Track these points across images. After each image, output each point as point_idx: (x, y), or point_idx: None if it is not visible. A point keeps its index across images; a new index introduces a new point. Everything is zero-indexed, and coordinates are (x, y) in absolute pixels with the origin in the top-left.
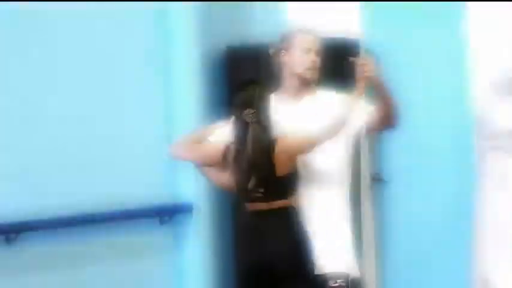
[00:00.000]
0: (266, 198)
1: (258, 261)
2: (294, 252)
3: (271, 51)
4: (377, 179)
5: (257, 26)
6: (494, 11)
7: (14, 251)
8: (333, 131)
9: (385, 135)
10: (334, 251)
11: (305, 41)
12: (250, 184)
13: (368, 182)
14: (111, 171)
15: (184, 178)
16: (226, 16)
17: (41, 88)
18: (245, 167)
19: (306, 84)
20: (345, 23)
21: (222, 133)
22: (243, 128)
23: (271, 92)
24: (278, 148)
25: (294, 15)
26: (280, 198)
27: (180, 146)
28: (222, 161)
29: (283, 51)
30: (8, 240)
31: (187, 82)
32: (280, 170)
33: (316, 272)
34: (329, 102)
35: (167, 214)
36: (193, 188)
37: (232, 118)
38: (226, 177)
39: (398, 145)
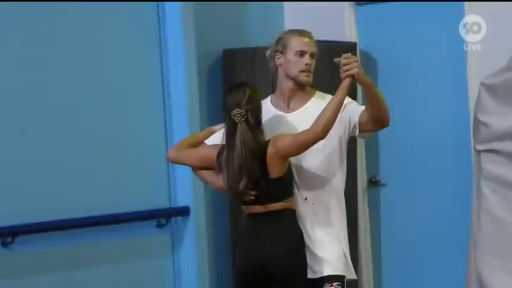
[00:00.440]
0: (261, 201)
1: (253, 263)
2: (289, 255)
3: (266, 53)
4: (373, 182)
5: (254, 29)
6: (492, 13)
7: (10, 254)
8: (323, 130)
9: (381, 138)
10: (330, 254)
11: (300, 44)
12: (241, 185)
13: (364, 185)
14: (107, 174)
15: (181, 182)
16: (223, 19)
17: (38, 93)
18: (236, 167)
19: (300, 87)
20: (341, 26)
21: (218, 137)
22: (232, 129)
23: (269, 94)
24: (270, 150)
25: (290, 19)
26: (275, 201)
27: (177, 151)
28: (216, 163)
29: (278, 53)
30: (5, 244)
31: (184, 85)
32: (274, 172)
33: (312, 275)
34: (322, 108)
35: (164, 217)
36: (190, 192)
37: (223, 119)
38: (219, 179)
39: (394, 148)
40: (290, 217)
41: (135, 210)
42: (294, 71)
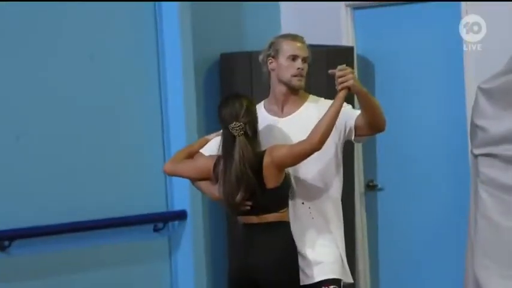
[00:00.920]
0: (256, 211)
1: (245, 273)
2: (281, 265)
3: (259, 58)
4: (371, 187)
5: (251, 33)
6: (492, 13)
7: (7, 258)
8: (319, 141)
9: (379, 142)
10: (327, 257)
11: (292, 48)
12: (238, 197)
13: (362, 189)
14: (105, 179)
15: (178, 186)
16: (220, 23)
17: (35, 98)
18: (233, 180)
19: (293, 91)
20: (338, 31)
21: (214, 147)
22: (230, 141)
23: (262, 99)
24: (266, 160)
25: (287, 23)
26: (270, 212)
27: (173, 164)
28: (212, 175)
29: (270, 58)
30: (2, 248)
31: (182, 89)
32: (270, 182)
33: (309, 280)
34: (316, 112)
35: (161, 221)
36: (187, 196)
37: (221, 131)
38: (216, 190)
39: (392, 153)
40: (284, 228)
41: (132, 214)
42: (286, 75)
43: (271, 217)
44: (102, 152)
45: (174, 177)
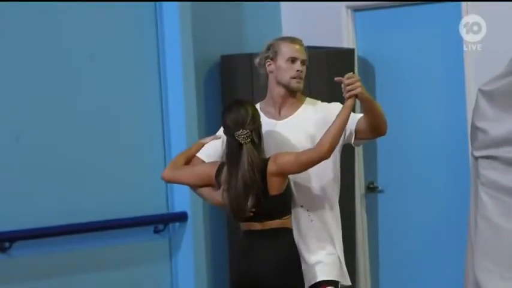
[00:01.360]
0: (259, 218)
1: (248, 280)
2: (283, 272)
3: (256, 61)
4: (371, 188)
5: (251, 35)
6: (492, 13)
7: (8, 260)
8: (328, 150)
9: (379, 144)
10: (324, 259)
11: (291, 50)
12: (249, 204)
13: (362, 191)
14: (105, 180)
15: (178, 187)
16: (221, 25)
17: (34, 100)
18: (240, 187)
19: (291, 94)
20: (338, 32)
21: (211, 150)
22: (236, 149)
23: (259, 101)
24: (270, 168)
25: (288, 25)
26: (273, 218)
27: (172, 170)
28: (214, 182)
29: (268, 60)
30: (2, 249)
31: (182, 91)
32: (273, 189)
33: (307, 282)
34: (313, 115)
35: (161, 223)
36: (187, 197)
37: (225, 138)
38: (219, 196)
39: (392, 154)
40: (287, 235)
41: (132, 216)
42: (286, 77)
43: (275, 223)
44: (103, 153)
45: None
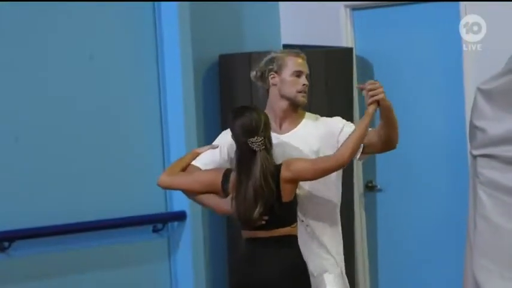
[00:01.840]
0: (268, 226)
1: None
2: (294, 279)
3: (252, 74)
4: (370, 187)
5: (249, 34)
6: (492, 13)
7: (7, 260)
8: (348, 158)
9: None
10: (328, 268)
11: (296, 64)
12: (256, 213)
13: (361, 191)
14: (104, 180)
15: None
16: (219, 25)
17: (34, 98)
18: (251, 195)
19: (294, 108)
20: (337, 32)
21: (208, 159)
22: (248, 156)
23: (265, 99)
24: (284, 174)
25: (286, 24)
26: (282, 226)
27: (171, 176)
28: (220, 189)
29: (272, 73)
30: (1, 249)
31: (180, 90)
32: (285, 196)
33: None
34: (314, 130)
35: (160, 222)
36: (186, 197)
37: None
38: (224, 203)
39: (391, 153)
40: (295, 242)
41: (131, 215)
42: (291, 91)
43: (284, 231)
44: (101, 152)
45: None
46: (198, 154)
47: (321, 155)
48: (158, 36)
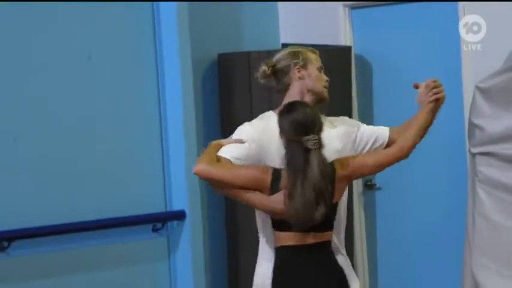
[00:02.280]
0: (318, 228)
1: None
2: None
3: (277, 66)
4: (369, 186)
5: (248, 33)
6: (491, 13)
7: (6, 259)
8: (410, 151)
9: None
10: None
11: (317, 59)
12: (318, 214)
13: (360, 189)
14: (103, 179)
15: (176, 186)
16: (218, 24)
17: (33, 99)
18: (311, 196)
19: (318, 104)
20: (336, 30)
21: (240, 154)
22: (302, 155)
23: (264, 98)
24: (340, 173)
25: (285, 23)
26: (329, 229)
27: (210, 166)
28: (268, 188)
29: (298, 67)
30: (1, 249)
31: (180, 89)
32: (338, 196)
33: None
34: (333, 129)
35: (160, 221)
36: (186, 196)
37: (285, 144)
38: (273, 202)
39: None
40: (331, 249)
41: (131, 214)
42: (319, 85)
43: (327, 235)
44: (100, 152)
45: (172, 178)
46: (221, 146)
47: (344, 154)
48: (157, 35)
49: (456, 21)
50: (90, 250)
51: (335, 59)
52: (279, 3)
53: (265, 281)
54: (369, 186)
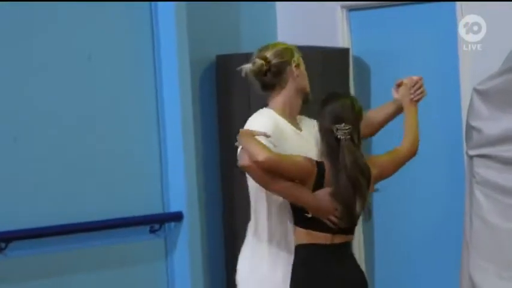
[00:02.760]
0: (348, 229)
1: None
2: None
3: (272, 63)
4: None
5: (247, 34)
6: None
7: (3, 260)
8: (418, 140)
9: (374, 143)
10: None
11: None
12: (358, 206)
13: None
14: (101, 180)
15: (174, 187)
16: (216, 25)
17: (31, 99)
18: (349, 188)
19: (304, 104)
20: (334, 32)
21: (268, 145)
22: (334, 146)
23: (259, 101)
24: (374, 172)
25: (283, 24)
26: (353, 231)
27: (275, 155)
28: (313, 181)
29: (295, 65)
30: None
31: (178, 90)
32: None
33: None
34: (312, 130)
35: (157, 223)
36: (183, 197)
37: (320, 135)
38: (323, 200)
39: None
40: (352, 249)
41: (128, 215)
42: (307, 86)
43: (351, 235)
44: (98, 153)
45: (170, 179)
46: (253, 135)
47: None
48: (155, 36)
49: (454, 23)
50: (87, 251)
51: (333, 60)
52: (277, 4)
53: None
54: None
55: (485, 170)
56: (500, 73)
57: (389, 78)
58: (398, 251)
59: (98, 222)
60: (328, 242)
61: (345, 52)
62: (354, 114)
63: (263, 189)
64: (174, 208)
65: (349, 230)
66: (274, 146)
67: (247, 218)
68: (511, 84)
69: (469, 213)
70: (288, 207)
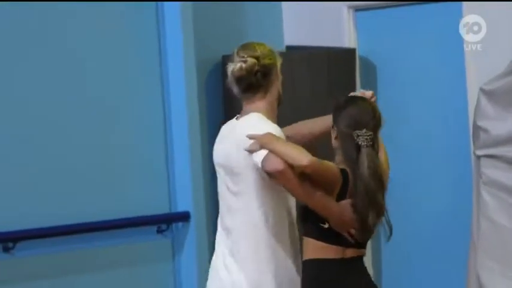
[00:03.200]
0: (361, 244)
1: None
2: None
3: (259, 64)
4: None
5: (252, 35)
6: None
7: (11, 260)
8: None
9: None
10: None
11: None
12: (371, 220)
13: None
14: (108, 180)
15: (180, 187)
16: (222, 25)
17: (38, 99)
18: (365, 199)
19: (278, 106)
20: (340, 32)
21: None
22: (353, 153)
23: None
24: (385, 180)
25: (289, 25)
26: (366, 243)
27: (316, 159)
28: (337, 190)
29: (279, 70)
30: (6, 249)
31: (184, 91)
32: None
33: None
34: None
35: (164, 223)
36: (190, 197)
37: (340, 140)
38: (346, 211)
39: (392, 153)
40: (363, 263)
41: (135, 215)
42: (281, 91)
43: (364, 250)
44: (105, 153)
45: (177, 179)
46: (278, 139)
47: None
48: (161, 36)
49: (459, 20)
50: (94, 251)
51: (339, 60)
52: (283, 4)
53: None
54: None
55: (492, 170)
56: (507, 73)
57: (396, 79)
58: (405, 250)
59: (105, 222)
60: (338, 256)
61: (351, 52)
62: (375, 120)
63: (273, 197)
64: (181, 208)
65: (362, 244)
66: None
67: None
68: None
69: (476, 214)
70: (294, 217)
